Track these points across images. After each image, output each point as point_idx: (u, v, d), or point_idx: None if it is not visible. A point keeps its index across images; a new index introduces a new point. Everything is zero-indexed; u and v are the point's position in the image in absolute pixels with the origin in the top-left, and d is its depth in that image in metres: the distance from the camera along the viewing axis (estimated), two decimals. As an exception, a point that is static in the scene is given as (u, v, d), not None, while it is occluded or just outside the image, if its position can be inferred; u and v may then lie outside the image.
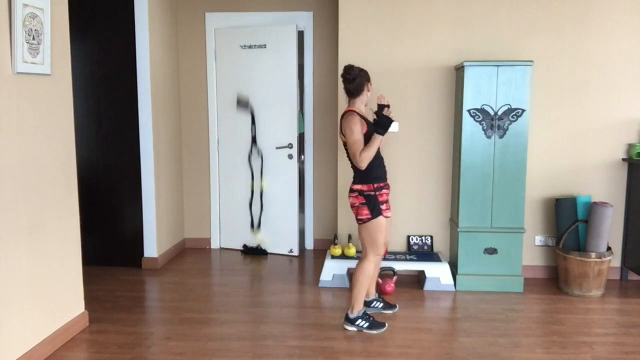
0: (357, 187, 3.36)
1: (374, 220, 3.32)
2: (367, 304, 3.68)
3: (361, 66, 4.37)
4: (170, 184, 5.05)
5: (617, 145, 4.35)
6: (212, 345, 3.22)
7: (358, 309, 3.41)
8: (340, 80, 4.39)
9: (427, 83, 4.41)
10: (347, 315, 3.44)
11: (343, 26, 4.42)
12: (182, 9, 5.20)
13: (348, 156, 3.42)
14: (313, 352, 3.13)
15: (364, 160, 3.26)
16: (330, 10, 5.05)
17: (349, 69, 3.36)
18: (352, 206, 3.40)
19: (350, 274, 3.58)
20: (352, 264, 4.20)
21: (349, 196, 3.42)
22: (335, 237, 4.47)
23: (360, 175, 3.37)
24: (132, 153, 4.62)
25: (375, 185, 3.35)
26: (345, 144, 3.39)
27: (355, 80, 3.34)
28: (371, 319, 3.44)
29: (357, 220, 3.39)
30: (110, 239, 4.76)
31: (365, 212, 3.33)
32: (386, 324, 3.45)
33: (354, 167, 3.40)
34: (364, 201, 3.33)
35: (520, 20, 4.29)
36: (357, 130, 3.26)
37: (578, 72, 4.30)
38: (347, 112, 3.35)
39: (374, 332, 3.40)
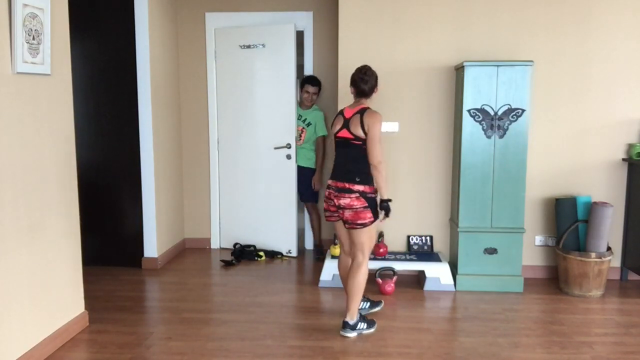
0: (359, 188, 3.24)
1: (374, 222, 3.30)
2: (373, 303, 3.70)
3: (361, 66, 4.42)
4: (170, 184, 5.05)
5: (617, 145, 4.35)
6: (212, 345, 3.22)
7: (356, 313, 3.37)
8: (339, 79, 4.45)
9: (427, 83, 4.41)
10: (346, 322, 3.33)
11: (343, 26, 4.42)
12: (182, 9, 5.20)
13: (350, 150, 3.30)
14: (313, 352, 3.13)
15: (383, 165, 3.27)
16: (330, 10, 5.05)
17: (367, 70, 3.35)
18: (350, 208, 3.24)
19: (356, 277, 3.44)
20: (352, 264, 4.21)
21: (345, 196, 3.24)
22: (335, 237, 4.47)
23: (362, 175, 3.25)
24: (132, 153, 4.62)
25: (375, 187, 3.30)
26: (354, 139, 3.26)
27: (370, 81, 3.33)
28: (366, 318, 3.45)
29: (357, 224, 3.25)
30: (110, 239, 4.76)
31: (368, 216, 3.25)
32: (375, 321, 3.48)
33: (354, 163, 3.27)
34: (366, 204, 3.24)
35: (520, 20, 4.29)
36: (380, 131, 3.27)
37: (578, 72, 4.30)
38: (369, 109, 3.29)
39: (372, 330, 3.40)
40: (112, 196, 4.71)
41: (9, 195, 2.77)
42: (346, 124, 3.31)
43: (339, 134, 3.35)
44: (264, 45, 5.02)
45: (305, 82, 5.01)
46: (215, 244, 5.45)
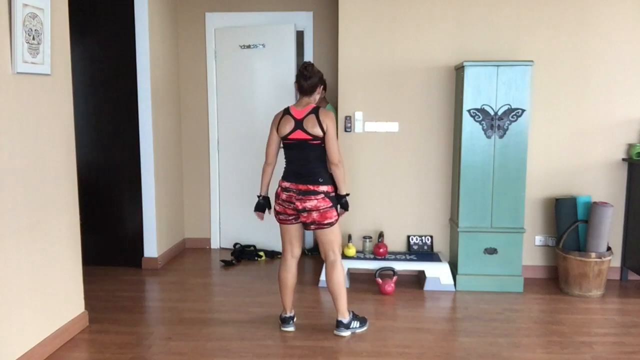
0: (324, 188, 3.21)
1: (338, 219, 3.31)
2: (288, 320, 3.46)
3: (361, 66, 4.42)
4: (170, 184, 5.05)
5: (617, 145, 4.35)
6: (212, 345, 3.22)
7: (347, 311, 3.37)
8: (339, 79, 4.45)
9: (427, 83, 4.41)
10: (340, 321, 3.34)
11: (343, 26, 4.42)
12: (182, 9, 5.20)
13: (308, 151, 3.24)
14: (313, 352, 3.13)
15: (342, 162, 3.30)
16: (330, 10, 5.05)
17: (308, 66, 3.27)
18: (316, 210, 3.20)
19: (334, 276, 3.34)
20: (352, 264, 4.21)
21: (311, 199, 3.19)
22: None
23: (324, 176, 3.25)
24: (132, 153, 4.62)
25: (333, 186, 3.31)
26: (312, 139, 3.21)
27: (311, 79, 3.25)
28: (358, 316, 3.45)
29: (324, 224, 3.23)
30: (110, 238, 4.76)
31: (334, 214, 3.25)
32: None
33: (315, 164, 3.24)
34: (330, 204, 3.23)
35: (520, 20, 4.29)
36: (336, 129, 3.26)
37: (578, 72, 4.30)
38: (321, 108, 3.26)
39: (365, 328, 3.42)
40: (112, 196, 4.71)
41: (9, 195, 2.77)
42: (299, 125, 3.21)
43: (292, 136, 3.23)
44: (264, 45, 5.02)
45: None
46: (215, 244, 5.45)
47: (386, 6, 4.37)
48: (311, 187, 3.21)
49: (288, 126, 3.25)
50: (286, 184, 3.28)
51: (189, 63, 5.26)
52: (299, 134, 3.23)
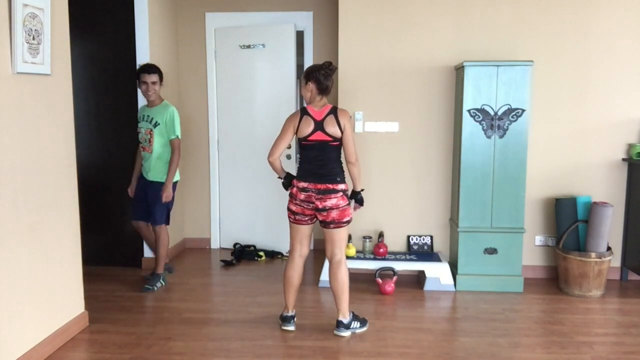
0: (342, 187, 3.27)
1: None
2: (289, 319, 3.47)
3: (361, 66, 4.43)
4: (170, 184, 5.04)
5: (617, 145, 4.35)
6: (212, 345, 3.22)
7: (348, 311, 3.38)
8: (340, 79, 4.45)
9: (427, 83, 4.41)
10: (340, 322, 3.34)
11: (343, 26, 4.42)
12: (182, 8, 5.20)
13: (327, 151, 3.25)
14: (313, 352, 3.13)
15: (358, 161, 3.38)
16: (330, 10, 5.05)
17: (334, 66, 3.28)
18: (337, 208, 3.23)
19: (339, 275, 3.35)
20: (352, 264, 4.19)
21: (331, 197, 3.21)
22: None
23: (341, 174, 3.29)
24: (132, 153, 4.61)
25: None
26: (332, 140, 3.23)
27: (332, 77, 3.29)
28: (358, 317, 3.45)
29: (343, 222, 3.26)
30: (110, 238, 4.76)
31: (349, 212, 3.31)
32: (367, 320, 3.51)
33: (333, 164, 3.27)
34: (348, 202, 3.30)
35: (520, 20, 4.29)
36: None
37: (578, 72, 4.30)
38: (338, 108, 3.28)
39: (365, 329, 3.42)
40: (112, 196, 4.71)
41: (9, 195, 2.77)
42: (320, 127, 3.21)
43: (312, 137, 3.23)
44: (264, 45, 5.02)
45: (140, 71, 4.08)
46: (215, 244, 5.45)
47: (386, 6, 4.37)
48: (330, 186, 3.24)
49: (308, 127, 3.24)
50: (304, 184, 3.27)
51: (189, 63, 5.26)
52: (319, 135, 3.24)
